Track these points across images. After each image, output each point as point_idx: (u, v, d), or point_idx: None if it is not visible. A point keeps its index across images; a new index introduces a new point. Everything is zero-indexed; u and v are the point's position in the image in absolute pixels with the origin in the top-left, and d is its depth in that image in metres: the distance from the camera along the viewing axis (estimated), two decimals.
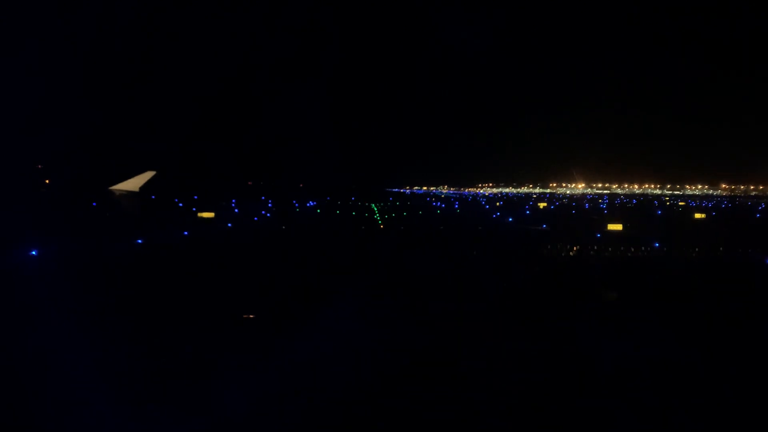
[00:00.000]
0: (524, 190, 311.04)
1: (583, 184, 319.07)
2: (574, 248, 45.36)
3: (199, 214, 72.55)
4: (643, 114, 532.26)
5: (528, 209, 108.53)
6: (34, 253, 35.07)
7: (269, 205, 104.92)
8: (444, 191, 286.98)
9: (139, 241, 44.64)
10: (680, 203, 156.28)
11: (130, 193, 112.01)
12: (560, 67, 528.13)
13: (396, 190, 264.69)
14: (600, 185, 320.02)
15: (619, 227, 59.87)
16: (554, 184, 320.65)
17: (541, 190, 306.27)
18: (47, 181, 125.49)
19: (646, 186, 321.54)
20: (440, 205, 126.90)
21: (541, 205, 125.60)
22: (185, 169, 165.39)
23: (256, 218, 72.61)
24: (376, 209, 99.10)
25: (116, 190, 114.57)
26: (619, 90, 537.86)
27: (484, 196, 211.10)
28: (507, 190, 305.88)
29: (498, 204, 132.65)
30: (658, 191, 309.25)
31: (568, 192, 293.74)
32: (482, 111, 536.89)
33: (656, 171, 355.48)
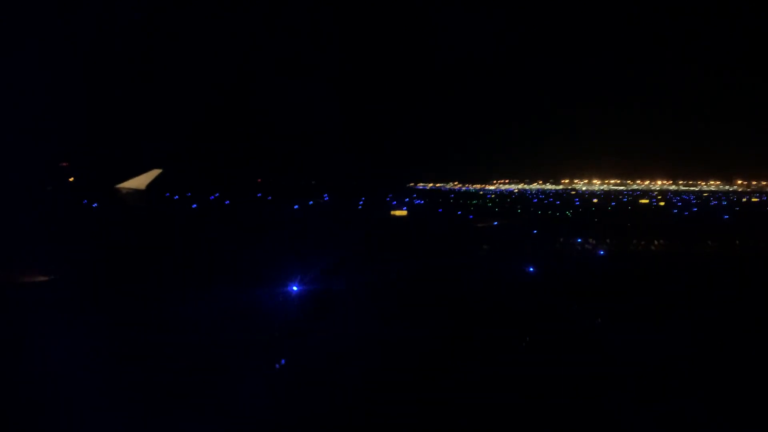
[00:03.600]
0: (536, 186, 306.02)
1: (598, 180, 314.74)
2: None
3: (392, 212, 72.48)
4: (655, 110, 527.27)
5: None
6: (294, 288, 26.13)
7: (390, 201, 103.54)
8: (449, 187, 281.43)
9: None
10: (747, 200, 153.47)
11: (136, 191, 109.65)
12: (572, 63, 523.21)
13: (421, 187, 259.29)
14: (614, 181, 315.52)
15: None
16: (567, 180, 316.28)
17: (554, 187, 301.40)
18: (71, 179, 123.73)
19: (660, 182, 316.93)
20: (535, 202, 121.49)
21: (644, 201, 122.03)
22: (192, 167, 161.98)
23: (461, 213, 71.13)
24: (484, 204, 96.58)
25: (123, 188, 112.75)
26: (631, 86, 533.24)
27: (511, 193, 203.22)
28: (519, 186, 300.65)
29: (595, 201, 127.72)
30: (673, 187, 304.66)
31: (584, 188, 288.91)
32: (491, 107, 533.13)
33: (669, 167, 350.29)
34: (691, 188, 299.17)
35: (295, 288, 25.03)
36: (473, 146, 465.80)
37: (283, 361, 17.13)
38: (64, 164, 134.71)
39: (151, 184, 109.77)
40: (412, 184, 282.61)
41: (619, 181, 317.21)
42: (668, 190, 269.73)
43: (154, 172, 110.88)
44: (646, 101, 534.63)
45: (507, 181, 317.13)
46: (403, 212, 72.19)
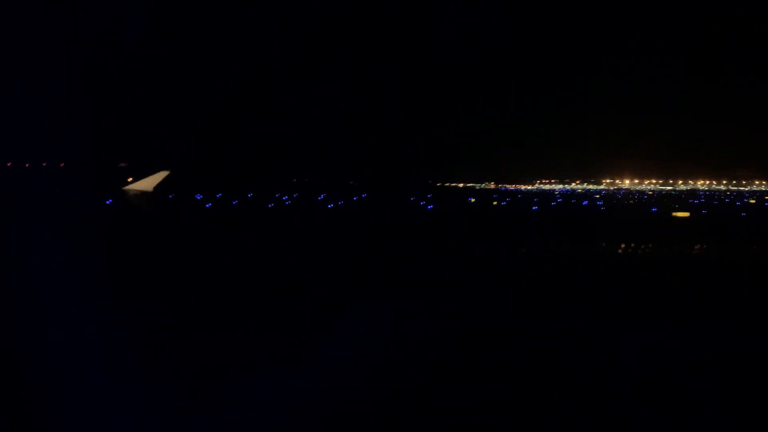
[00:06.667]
0: (574, 186, 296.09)
1: (638, 180, 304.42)
2: None
3: (674, 214, 66.99)
4: (696, 108, 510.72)
5: None
6: None
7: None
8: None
9: None
10: None
11: (143, 193, 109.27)
12: (611, 61, 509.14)
13: (472, 187, 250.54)
14: (656, 181, 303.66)
15: None
16: (608, 180, 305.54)
17: (596, 187, 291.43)
18: (130, 179, 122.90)
19: (702, 182, 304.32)
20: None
21: None
22: (207, 168, 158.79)
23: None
24: None
25: (130, 190, 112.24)
26: (671, 83, 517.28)
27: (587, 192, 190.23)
28: (559, 186, 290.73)
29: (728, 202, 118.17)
30: (722, 187, 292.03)
31: (626, 187, 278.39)
32: (526, 104, 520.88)
33: (711, 166, 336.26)
34: (740, 188, 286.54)
35: None
36: (508, 145, 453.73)
37: None
38: (123, 165, 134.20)
39: (159, 186, 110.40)
40: (439, 184, 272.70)
41: (662, 181, 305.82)
42: (717, 191, 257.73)
43: (162, 174, 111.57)
44: (686, 99, 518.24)
45: (553, 180, 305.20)
46: (685, 213, 64.97)
